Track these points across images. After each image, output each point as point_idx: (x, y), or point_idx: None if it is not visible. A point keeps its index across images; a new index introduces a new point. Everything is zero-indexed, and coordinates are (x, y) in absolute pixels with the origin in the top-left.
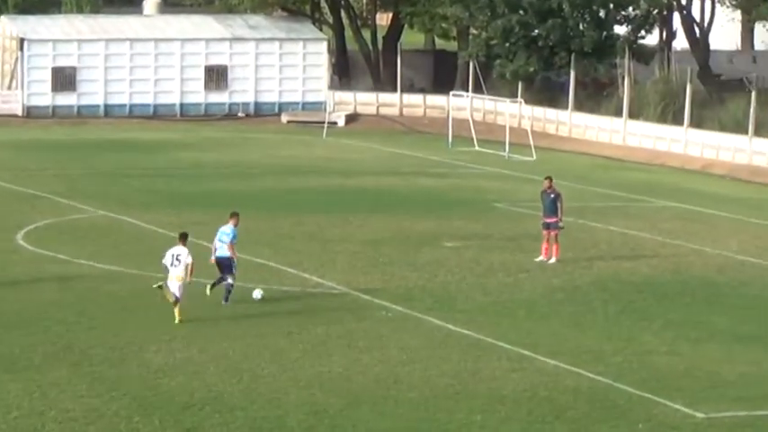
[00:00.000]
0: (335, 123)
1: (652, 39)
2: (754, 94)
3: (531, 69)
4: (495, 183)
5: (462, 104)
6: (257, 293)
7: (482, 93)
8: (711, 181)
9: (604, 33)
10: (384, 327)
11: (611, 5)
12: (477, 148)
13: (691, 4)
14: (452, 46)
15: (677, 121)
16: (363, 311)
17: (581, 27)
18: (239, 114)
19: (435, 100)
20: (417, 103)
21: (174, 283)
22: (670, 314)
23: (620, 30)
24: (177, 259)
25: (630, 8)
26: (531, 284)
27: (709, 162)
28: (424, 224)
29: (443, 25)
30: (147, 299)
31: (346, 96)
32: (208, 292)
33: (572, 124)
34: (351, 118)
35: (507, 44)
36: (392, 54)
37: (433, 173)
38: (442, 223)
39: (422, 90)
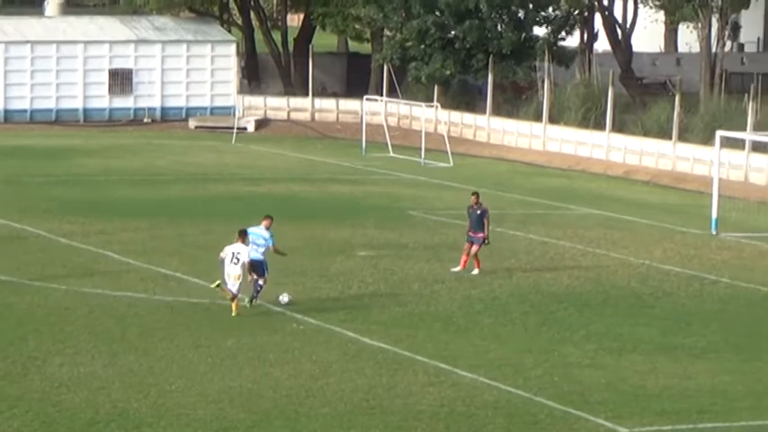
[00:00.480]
0: (245, 129)
1: (573, 41)
2: (677, 97)
3: (448, 72)
4: (411, 190)
5: (376, 109)
6: (284, 298)
7: (397, 97)
8: (634, 187)
9: (523, 35)
10: (296, 340)
11: (531, 6)
12: (391, 153)
13: (613, 5)
14: (366, 48)
15: (599, 125)
16: (275, 324)
17: (499, 28)
18: (145, 120)
19: (348, 104)
20: (330, 108)
21: (232, 281)
22: (592, 325)
23: (540, 31)
24: (236, 257)
25: (550, 9)
26: (449, 295)
27: (632, 168)
28: (336, 233)
29: (357, 27)
30: (50, 311)
31: (256, 101)
32: (248, 305)
33: (490, 129)
34: (261, 123)
35: (423, 46)
36: (304, 57)
37: (347, 180)
38: (355, 232)
39: (334, 94)
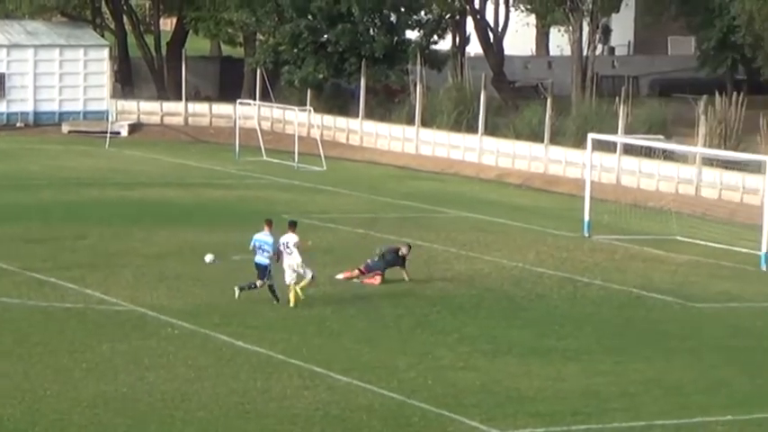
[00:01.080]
0: (118, 133)
1: (445, 44)
2: (549, 100)
3: (321, 76)
4: (285, 194)
5: (250, 113)
6: (209, 258)
7: (270, 101)
8: (507, 190)
9: (396, 38)
10: (171, 344)
11: (403, 10)
12: (265, 158)
13: (484, 9)
14: (239, 52)
15: (471, 129)
16: (149, 328)
17: (371, 32)
18: (18, 124)
19: (222, 109)
20: (203, 112)
21: (288, 271)
22: (466, 328)
23: (412, 35)
24: (288, 246)
25: (422, 13)
26: (322, 299)
27: (505, 171)
28: (211, 237)
29: (229, 31)
30: None
31: (129, 105)
32: (275, 302)
33: (363, 133)
34: (134, 128)
35: (295, 50)
36: (177, 61)
37: (220, 184)
38: (229, 236)
39: (207, 98)
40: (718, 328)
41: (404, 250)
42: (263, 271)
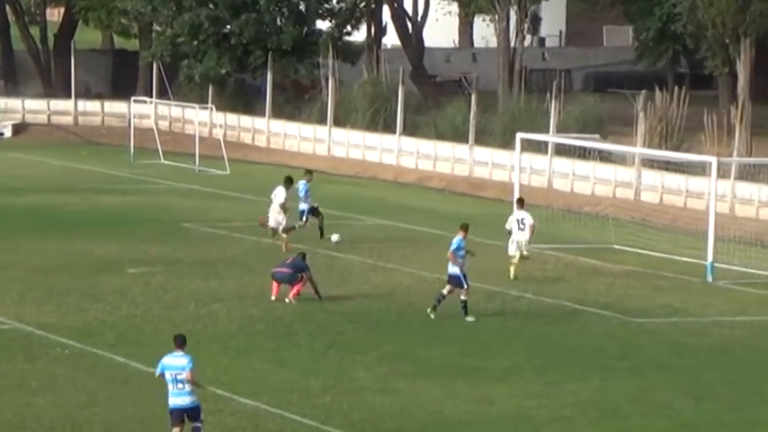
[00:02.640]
0: (1, 134)
1: (359, 35)
2: (473, 96)
3: (223, 71)
4: (185, 200)
5: (146, 112)
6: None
7: (168, 98)
8: (428, 195)
9: (305, 29)
10: (60, 366)
11: None
12: (163, 160)
13: None
14: (134, 45)
15: (389, 128)
16: (36, 349)
17: (279, 22)
18: None
19: (115, 107)
20: (95, 111)
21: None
22: (384, 347)
23: (324, 25)
24: (522, 223)
25: (335, 0)
26: (227, 316)
27: (426, 174)
28: (104, 248)
29: (123, 21)
30: None
31: (13, 103)
32: (431, 314)
33: (270, 133)
34: (19, 128)
35: (196, 42)
36: (65, 55)
37: (114, 189)
38: (124, 246)
39: (99, 96)
40: (659, 345)
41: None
42: (457, 280)
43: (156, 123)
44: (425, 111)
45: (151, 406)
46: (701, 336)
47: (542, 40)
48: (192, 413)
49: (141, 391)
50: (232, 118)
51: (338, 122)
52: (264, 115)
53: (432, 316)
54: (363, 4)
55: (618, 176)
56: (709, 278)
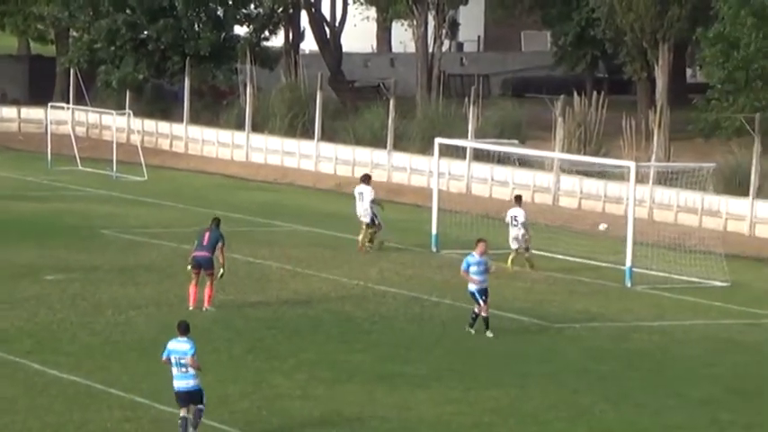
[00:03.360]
0: None
1: (277, 41)
2: (392, 102)
3: (141, 76)
4: (103, 206)
5: (63, 118)
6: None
7: (85, 104)
8: (346, 201)
9: (223, 35)
10: None
11: (230, 3)
12: (80, 167)
13: (320, 2)
14: (50, 51)
15: (307, 134)
16: None
17: (196, 28)
18: None
19: (32, 113)
20: (11, 117)
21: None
22: (303, 353)
23: (242, 30)
24: (515, 219)
25: (252, 6)
26: (146, 323)
27: (344, 180)
28: (21, 255)
29: (39, 26)
30: None
31: None
32: (470, 330)
33: (188, 139)
34: None
35: (113, 48)
36: None
37: (31, 196)
38: (42, 253)
39: (15, 102)
40: (578, 350)
41: None
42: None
43: (74, 129)
44: (344, 116)
45: (68, 413)
46: (620, 341)
47: (461, 46)
48: (195, 396)
49: (59, 398)
50: (150, 124)
51: (256, 128)
52: (182, 121)
53: (471, 331)
54: (281, 9)
55: (536, 181)
56: (628, 283)
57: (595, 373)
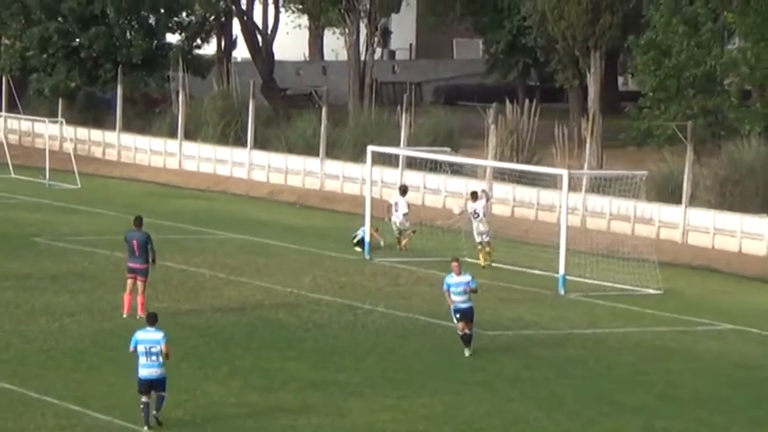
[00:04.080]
0: None
1: (209, 48)
2: (324, 109)
3: (73, 84)
4: (35, 214)
5: None
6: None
7: (18, 112)
8: (280, 209)
9: (155, 42)
10: None
11: (162, 11)
12: (13, 175)
13: (252, 10)
14: None
15: (240, 141)
16: None
17: (128, 35)
18: None
19: None
20: None
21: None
22: (237, 361)
23: (173, 38)
24: (476, 213)
25: (184, 14)
26: (79, 330)
27: (277, 188)
28: None
29: None
30: None
31: None
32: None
33: (121, 146)
34: None
35: (45, 56)
36: None
37: None
38: None
39: None
40: (512, 358)
41: None
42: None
43: (6, 137)
44: (276, 124)
45: (2, 421)
46: (553, 348)
47: (393, 53)
48: (159, 384)
49: None
50: (82, 132)
51: (189, 136)
52: (115, 129)
53: (466, 353)
54: (213, 17)
55: (469, 189)
56: (561, 291)
57: (529, 380)
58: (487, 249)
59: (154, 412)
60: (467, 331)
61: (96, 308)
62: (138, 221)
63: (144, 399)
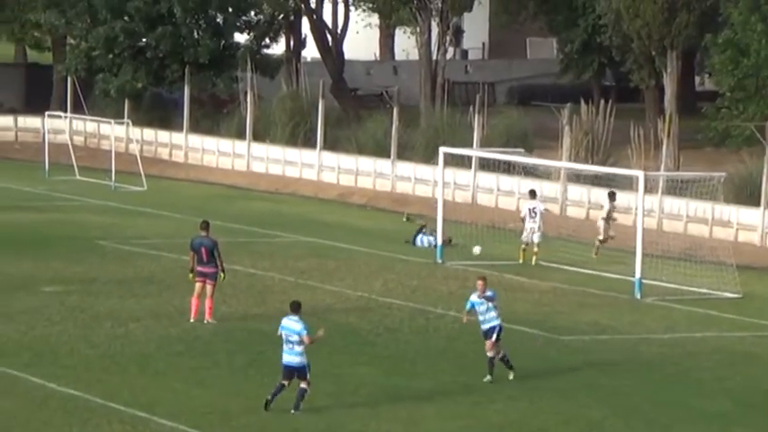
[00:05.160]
0: None
1: (278, 48)
2: (395, 110)
3: (140, 85)
4: (101, 217)
5: (60, 126)
6: (477, 249)
7: (83, 113)
8: (350, 211)
9: (223, 42)
10: None
11: (230, 10)
12: (78, 176)
13: (321, 9)
14: (47, 58)
15: (309, 143)
16: None
17: (196, 35)
18: None
19: (29, 122)
20: (8, 126)
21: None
22: None
23: (241, 38)
24: (534, 211)
25: (252, 13)
26: (145, 335)
27: (347, 190)
28: (18, 266)
29: (36, 34)
30: None
31: None
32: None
33: (188, 148)
34: None
35: (111, 56)
36: None
37: (28, 206)
38: (39, 265)
39: (12, 110)
40: (588, 363)
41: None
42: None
43: (71, 138)
44: (346, 125)
45: (67, 427)
46: (630, 354)
47: (465, 53)
48: (300, 372)
49: (58, 412)
50: (149, 133)
51: (257, 137)
52: (182, 130)
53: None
54: (282, 16)
55: (543, 191)
56: (637, 295)
57: (606, 386)
58: (535, 250)
59: (292, 411)
60: (490, 354)
61: (163, 312)
62: (205, 226)
63: (283, 381)
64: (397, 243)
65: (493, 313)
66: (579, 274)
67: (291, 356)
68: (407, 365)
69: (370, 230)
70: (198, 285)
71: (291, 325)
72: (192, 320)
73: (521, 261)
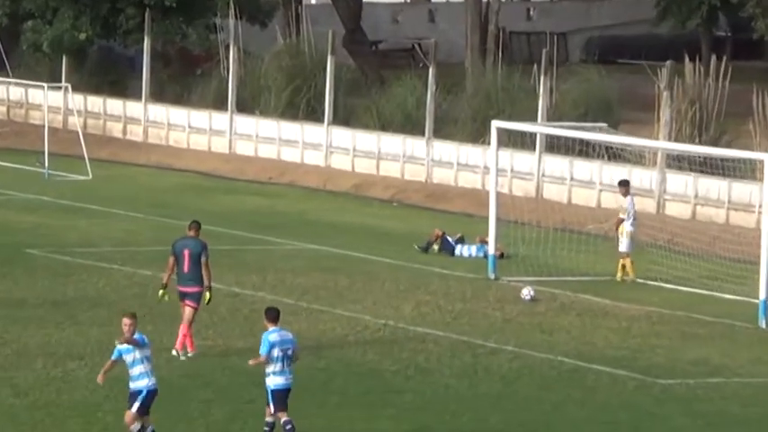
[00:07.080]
0: None
1: None
2: (431, 70)
3: (83, 36)
4: (29, 217)
5: None
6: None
7: (6, 75)
8: (370, 209)
9: None
10: None
11: None
12: (2, 163)
13: None
14: None
15: (314, 115)
16: None
17: None
18: None
19: None
20: None
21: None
22: (308, 420)
23: None
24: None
25: None
26: (89, 378)
27: (366, 179)
28: None
29: None
30: None
31: None
32: None
33: (148, 122)
34: None
35: None
36: None
37: None
38: None
39: None
40: (691, 415)
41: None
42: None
43: None
44: (365, 91)
45: None
46: (749, 403)
47: None
48: (288, 395)
49: None
50: (95, 101)
51: (243, 108)
52: (140, 98)
53: None
54: None
55: (634, 181)
56: (762, 323)
57: None
58: (627, 260)
59: None
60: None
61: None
62: (195, 227)
63: (269, 418)
64: (432, 252)
65: (141, 368)
66: (683, 295)
67: (285, 377)
68: (448, 419)
69: (397, 234)
70: (182, 306)
71: (286, 336)
72: (174, 353)
73: (618, 277)
